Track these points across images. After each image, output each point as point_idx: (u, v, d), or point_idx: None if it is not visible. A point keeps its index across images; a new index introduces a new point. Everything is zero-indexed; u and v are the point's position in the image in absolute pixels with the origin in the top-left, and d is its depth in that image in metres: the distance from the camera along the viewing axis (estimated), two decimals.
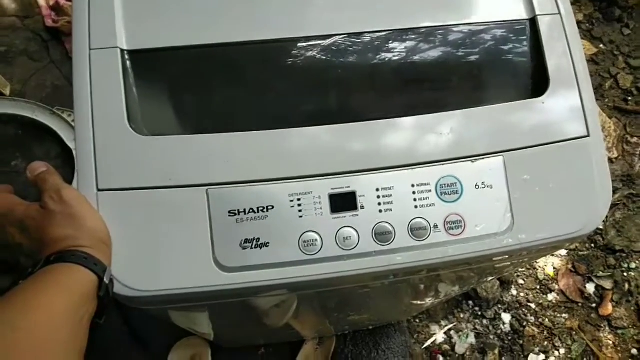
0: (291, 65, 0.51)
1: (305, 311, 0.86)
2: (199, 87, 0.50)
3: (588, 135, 0.52)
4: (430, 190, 0.49)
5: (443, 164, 0.50)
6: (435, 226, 0.49)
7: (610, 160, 1.51)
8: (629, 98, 1.60)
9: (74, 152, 1.28)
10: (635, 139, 1.55)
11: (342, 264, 0.48)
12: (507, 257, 0.53)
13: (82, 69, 0.47)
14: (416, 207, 0.49)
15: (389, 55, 0.52)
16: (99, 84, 0.46)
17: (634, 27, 1.68)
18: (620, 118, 1.58)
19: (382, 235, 0.48)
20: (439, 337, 1.31)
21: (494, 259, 0.53)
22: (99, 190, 0.45)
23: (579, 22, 1.67)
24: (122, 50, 0.48)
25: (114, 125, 0.46)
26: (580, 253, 1.44)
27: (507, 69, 0.54)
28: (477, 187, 0.50)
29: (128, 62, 0.48)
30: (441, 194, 0.49)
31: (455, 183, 0.49)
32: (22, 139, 1.35)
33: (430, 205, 0.49)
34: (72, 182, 1.21)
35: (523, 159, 0.50)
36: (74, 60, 0.48)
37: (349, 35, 0.51)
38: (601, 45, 1.66)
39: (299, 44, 0.51)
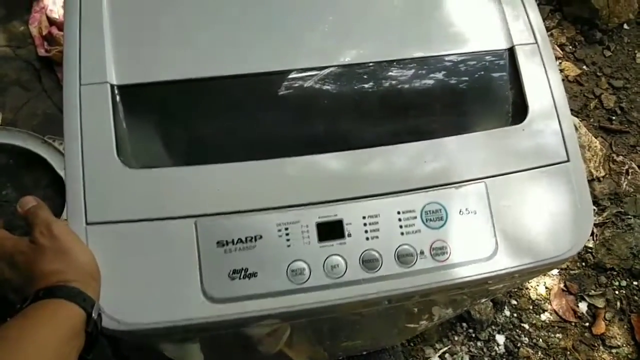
0: (275, 96, 0.52)
1: (298, 339, 0.86)
2: (186, 120, 0.51)
3: (568, 160, 0.53)
4: (415, 217, 0.50)
5: (427, 191, 0.51)
6: (422, 252, 0.50)
7: (598, 179, 1.54)
8: (613, 117, 1.64)
9: (65, 180, 1.28)
10: (621, 158, 1.58)
11: (330, 293, 0.48)
12: (494, 281, 0.54)
13: (73, 103, 0.48)
14: (402, 233, 0.50)
15: (373, 86, 0.54)
16: (89, 119, 0.47)
17: (614, 49, 1.73)
18: (605, 137, 1.61)
19: (369, 263, 0.49)
20: None
21: (481, 283, 0.54)
22: (87, 223, 0.46)
23: (562, 45, 1.72)
24: (112, 85, 0.49)
25: (103, 158, 0.47)
26: (572, 272, 1.45)
27: (488, 97, 0.55)
28: (461, 212, 0.51)
29: (117, 97, 0.49)
30: (426, 221, 0.50)
31: (440, 209, 0.50)
32: (13, 168, 1.35)
33: (416, 232, 0.50)
34: (62, 211, 1.21)
35: (505, 184, 0.52)
36: (65, 94, 0.49)
37: (335, 67, 0.52)
38: (584, 67, 1.70)
39: (283, 77, 0.52)
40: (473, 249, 0.51)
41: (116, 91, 0.49)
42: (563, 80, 1.67)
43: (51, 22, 1.52)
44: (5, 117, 1.40)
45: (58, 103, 1.43)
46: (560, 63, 1.69)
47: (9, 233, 0.47)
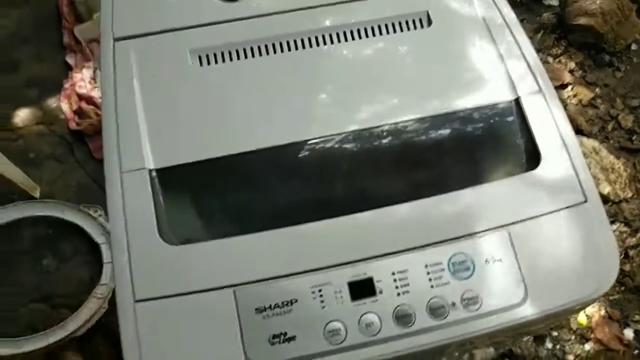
0: (298, 165, 0.56)
1: None
2: (220, 195, 0.55)
3: (586, 201, 0.55)
4: (443, 269, 0.52)
5: (452, 242, 0.53)
6: (453, 304, 0.51)
7: (626, 200, 1.52)
8: (633, 137, 1.63)
9: (100, 246, 1.33)
10: None
11: (367, 350, 0.50)
12: (528, 326, 0.55)
13: (115, 191, 0.52)
14: (432, 286, 0.52)
15: (390, 146, 0.57)
16: (131, 204, 0.52)
17: (625, 70, 1.73)
18: (628, 157, 1.60)
19: (403, 318, 0.51)
20: None
21: (514, 329, 0.54)
22: (135, 301, 0.49)
23: (572, 70, 1.74)
24: (150, 170, 0.53)
25: (146, 239, 0.51)
26: (612, 297, 1.41)
27: (501, 147, 0.58)
28: (487, 262, 0.52)
29: (156, 180, 0.53)
30: (454, 272, 0.52)
31: (466, 260, 0.52)
32: (52, 237, 1.41)
33: (445, 284, 0.52)
34: (101, 275, 1.26)
35: (527, 230, 0.53)
36: (107, 182, 0.53)
37: (351, 132, 0.56)
38: (597, 90, 1.71)
39: (304, 146, 0.56)
40: (503, 296, 0.52)
41: (154, 174, 0.53)
42: (577, 104, 1.68)
43: (80, 97, 1.62)
44: (43, 190, 1.48)
45: (91, 173, 1.51)
46: (572, 88, 1.70)
47: None
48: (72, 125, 1.59)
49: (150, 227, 0.51)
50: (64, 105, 1.64)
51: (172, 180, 0.54)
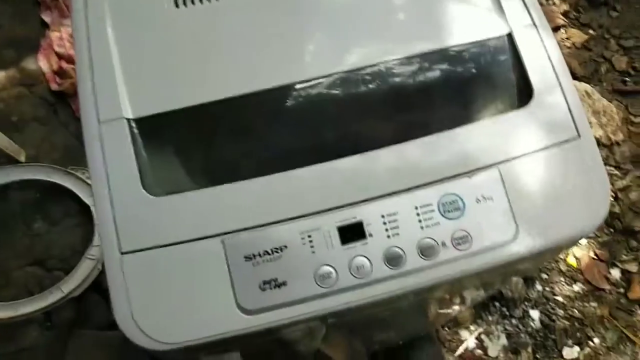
0: (286, 110, 0.54)
1: (334, 336, 0.88)
2: (203, 143, 0.53)
3: (579, 136, 0.54)
4: (433, 210, 0.51)
5: (442, 183, 0.52)
6: (444, 244, 0.51)
7: (617, 143, 1.52)
8: (627, 79, 1.61)
9: (91, 208, 1.32)
10: (639, 119, 1.56)
11: (359, 293, 0.50)
12: (518, 263, 0.55)
13: (94, 142, 0.50)
14: (422, 227, 0.51)
15: (377, 87, 0.55)
16: (111, 155, 0.50)
17: (620, 9, 1.69)
18: (621, 100, 1.59)
19: (393, 260, 0.50)
20: (470, 342, 1.31)
21: (506, 266, 0.55)
22: (122, 253, 0.48)
23: (565, 12, 1.69)
24: (128, 120, 0.51)
25: (129, 191, 0.49)
26: (600, 239, 1.44)
27: (492, 84, 0.56)
28: (477, 201, 0.51)
29: (135, 130, 0.51)
30: (444, 212, 0.51)
31: (456, 200, 0.51)
32: (41, 201, 1.39)
33: (435, 225, 0.51)
34: (94, 236, 1.25)
35: (518, 167, 0.52)
36: (84, 134, 0.51)
37: (337, 74, 0.54)
38: (591, 31, 1.67)
39: (289, 89, 0.54)
40: (494, 235, 0.51)
41: (133, 124, 0.51)
42: (570, 47, 1.65)
43: (60, 56, 1.56)
44: (28, 153, 1.45)
45: (75, 134, 1.48)
46: (565, 31, 1.66)
47: None
48: (54, 86, 1.55)
49: (132, 179, 0.50)
50: (44, 66, 1.58)
51: (153, 130, 0.52)
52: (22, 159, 1.43)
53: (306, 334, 0.72)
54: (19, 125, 1.50)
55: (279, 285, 0.49)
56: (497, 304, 1.34)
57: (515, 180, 0.52)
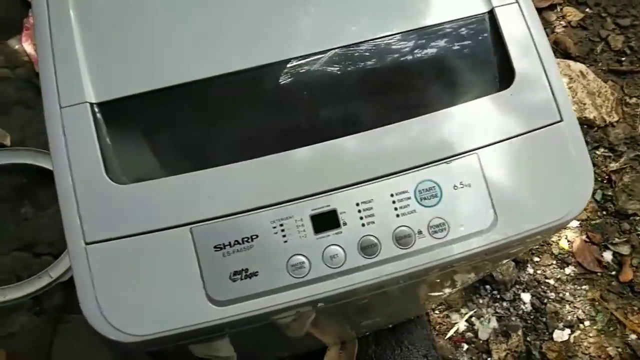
0: (256, 94, 0.52)
1: (323, 320, 0.87)
2: (169, 129, 0.51)
3: (561, 120, 0.52)
4: (409, 198, 0.50)
5: (419, 170, 0.50)
6: (420, 232, 0.49)
7: (611, 125, 1.49)
8: (623, 58, 1.58)
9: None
10: (634, 100, 1.53)
11: (332, 283, 0.48)
12: (499, 251, 0.54)
13: (56, 128, 0.48)
14: (398, 215, 0.49)
15: (351, 70, 0.52)
16: (73, 141, 0.48)
17: None
18: (616, 80, 1.56)
19: (368, 249, 0.49)
20: (461, 325, 1.31)
21: (487, 254, 0.53)
22: (86, 244, 0.47)
23: None
24: (91, 104, 0.49)
25: (92, 179, 0.47)
26: (593, 222, 1.43)
27: (472, 66, 0.54)
28: (455, 187, 0.50)
29: (98, 115, 0.49)
30: (421, 200, 0.50)
31: (434, 187, 0.50)
32: (28, 186, 1.38)
33: (411, 212, 0.50)
34: None
35: (498, 153, 0.51)
36: (46, 120, 0.49)
37: (306, 56, 0.51)
38: (587, 10, 1.63)
39: (259, 72, 0.51)
40: (472, 222, 0.50)
41: (96, 109, 0.49)
42: (566, 26, 1.61)
43: None
44: (13, 137, 1.42)
45: None
46: (561, 9, 1.62)
47: None
48: (38, 68, 1.52)
49: (96, 166, 0.48)
50: (27, 47, 1.54)
51: (117, 115, 0.50)
52: (8, 142, 1.41)
53: (295, 319, 0.71)
54: (3, 108, 1.47)
55: (250, 276, 0.48)
56: (488, 287, 1.34)
57: (494, 167, 0.50)
